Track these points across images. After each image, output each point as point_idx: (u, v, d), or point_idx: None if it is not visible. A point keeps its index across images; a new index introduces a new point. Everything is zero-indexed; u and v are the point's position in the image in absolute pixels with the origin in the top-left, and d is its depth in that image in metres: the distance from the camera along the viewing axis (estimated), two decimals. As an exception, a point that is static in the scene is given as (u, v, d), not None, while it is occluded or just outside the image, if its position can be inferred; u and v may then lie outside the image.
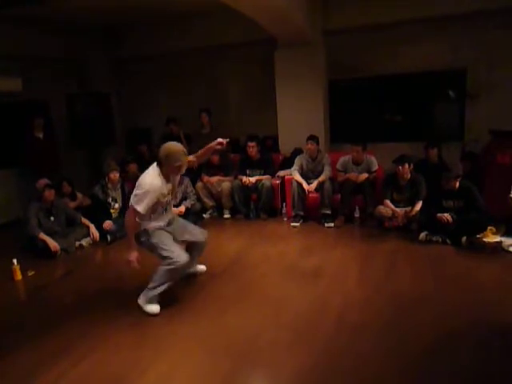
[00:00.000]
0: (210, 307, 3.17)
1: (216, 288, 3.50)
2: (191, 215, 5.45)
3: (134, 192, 3.01)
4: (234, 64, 7.06)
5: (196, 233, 3.49)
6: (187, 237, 3.41)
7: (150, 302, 3.10)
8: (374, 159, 5.18)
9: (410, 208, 4.55)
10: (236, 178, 5.68)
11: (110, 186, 5.20)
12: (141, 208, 2.91)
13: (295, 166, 5.36)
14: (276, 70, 6.21)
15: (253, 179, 5.54)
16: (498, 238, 3.91)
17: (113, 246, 4.88)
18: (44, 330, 2.95)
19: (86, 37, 7.15)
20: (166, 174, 3.03)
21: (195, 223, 5.34)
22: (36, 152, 5.90)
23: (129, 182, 5.47)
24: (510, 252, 3.85)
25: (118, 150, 7.42)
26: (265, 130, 6.62)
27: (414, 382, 2.22)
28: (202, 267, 3.80)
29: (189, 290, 3.47)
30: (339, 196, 5.12)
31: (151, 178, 2.97)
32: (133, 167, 5.96)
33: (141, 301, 3.13)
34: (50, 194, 4.69)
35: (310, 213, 5.31)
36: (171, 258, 3.03)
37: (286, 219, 5.43)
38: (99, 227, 4.94)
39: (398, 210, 4.58)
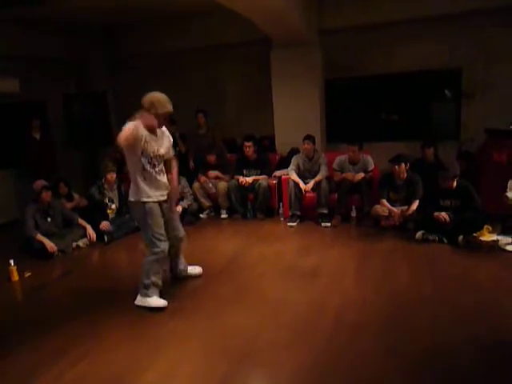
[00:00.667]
0: (208, 307, 3.17)
1: (214, 288, 3.50)
2: (188, 215, 5.46)
3: None
4: (232, 64, 7.07)
5: (177, 226, 3.40)
6: (169, 229, 3.29)
7: (151, 295, 3.10)
8: (370, 159, 5.20)
9: (406, 207, 4.57)
10: (232, 177, 5.68)
11: (106, 186, 5.19)
12: (121, 138, 2.77)
13: (292, 166, 5.37)
14: (272, 69, 6.21)
15: (249, 179, 5.54)
16: (494, 237, 3.93)
17: (110, 246, 4.87)
18: (42, 331, 2.94)
19: (86, 37, 7.14)
20: (149, 127, 2.92)
21: (192, 223, 5.41)
22: (33, 153, 5.90)
23: (127, 182, 5.46)
24: (506, 251, 3.87)
25: (115, 151, 7.40)
26: (262, 129, 6.63)
27: (413, 382, 2.22)
28: (198, 270, 3.72)
29: (187, 290, 3.47)
30: (336, 195, 5.13)
31: (131, 123, 2.85)
32: None
33: (138, 300, 3.13)
34: (46, 196, 4.68)
35: (306, 212, 5.31)
36: (157, 247, 3.06)
37: (282, 219, 5.44)
38: (96, 228, 4.93)
39: (394, 209, 4.60)
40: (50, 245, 4.46)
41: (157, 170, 3.10)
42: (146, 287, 3.12)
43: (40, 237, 4.49)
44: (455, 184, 4.15)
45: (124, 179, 5.52)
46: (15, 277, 3.96)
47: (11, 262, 3.96)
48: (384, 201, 4.66)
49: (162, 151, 3.09)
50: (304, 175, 5.35)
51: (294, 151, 5.75)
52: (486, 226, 3.96)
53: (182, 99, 7.31)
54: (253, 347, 2.59)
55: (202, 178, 5.79)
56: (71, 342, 2.76)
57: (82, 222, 4.95)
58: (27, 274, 4.06)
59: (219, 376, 2.33)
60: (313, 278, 3.58)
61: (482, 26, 5.60)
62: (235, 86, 7.17)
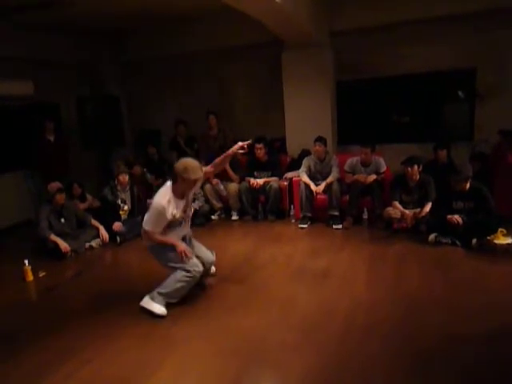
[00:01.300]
0: (218, 308, 3.18)
1: (224, 289, 3.52)
2: (199, 217, 5.48)
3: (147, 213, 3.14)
4: (243, 65, 7.07)
5: (205, 256, 3.48)
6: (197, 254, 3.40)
7: (158, 302, 3.11)
8: (382, 160, 5.16)
9: (418, 209, 4.53)
10: (243, 179, 5.70)
11: (119, 187, 5.25)
12: (149, 227, 3.07)
13: (303, 168, 5.36)
14: (283, 71, 6.21)
15: (260, 181, 5.55)
16: (509, 240, 3.87)
17: (122, 247, 4.92)
18: (53, 331, 2.98)
19: (97, 40, 7.23)
20: (180, 192, 3.06)
21: (203, 225, 5.44)
22: (47, 154, 5.98)
23: (136, 184, 5.52)
24: (520, 254, 3.81)
25: (127, 152, 7.49)
26: (273, 131, 6.63)
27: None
28: (212, 269, 3.78)
29: (196, 291, 3.47)
30: (347, 197, 5.10)
31: (160, 197, 3.02)
32: (136, 170, 5.99)
33: (145, 301, 3.13)
34: (61, 198, 4.74)
35: (317, 214, 5.30)
36: (190, 270, 3.11)
37: (293, 221, 5.43)
38: (109, 229, 4.99)
39: (406, 211, 4.56)
40: (63, 245, 4.53)
41: (182, 222, 3.22)
42: (161, 294, 3.12)
43: (54, 237, 4.56)
44: (468, 186, 4.09)
45: (133, 181, 5.58)
46: (30, 277, 4.02)
47: (26, 262, 4.03)
48: (396, 203, 4.63)
49: (181, 215, 3.16)
50: (315, 177, 5.33)
51: (305, 153, 5.74)
52: (500, 229, 3.90)
53: (193, 101, 7.40)
54: (262, 348, 2.59)
55: (214, 181, 5.81)
56: (80, 343, 2.79)
57: (94, 222, 5.01)
58: (42, 274, 4.12)
59: (228, 378, 2.33)
60: (323, 280, 3.57)
61: (495, 26, 5.52)
62: (246, 88, 7.18)
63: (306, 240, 4.83)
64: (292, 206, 5.55)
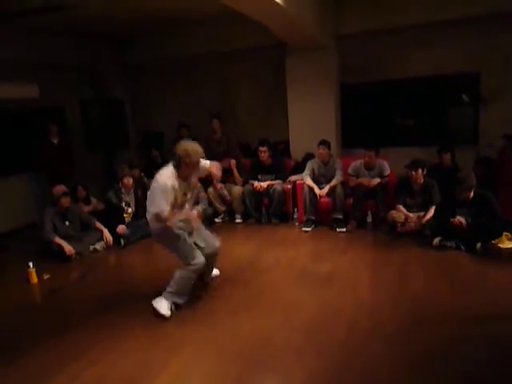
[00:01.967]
0: (222, 311, 3.18)
1: (227, 292, 3.52)
2: (203, 220, 5.48)
3: (149, 193, 3.07)
4: (246, 66, 7.07)
5: (209, 240, 3.48)
6: (199, 242, 3.39)
7: (167, 300, 3.14)
8: (386, 164, 5.15)
9: (423, 213, 4.51)
10: (247, 182, 5.70)
11: (123, 190, 5.27)
12: (157, 209, 2.93)
13: (307, 171, 5.36)
14: (287, 76, 6.22)
15: (264, 184, 5.55)
16: (513, 244, 3.86)
17: (126, 249, 4.93)
18: (58, 332, 3.00)
19: (100, 43, 7.26)
20: (183, 175, 3.04)
21: (207, 228, 5.43)
22: (51, 157, 6.01)
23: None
24: (526, 258, 3.79)
25: (131, 155, 7.51)
26: (276, 134, 6.63)
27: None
28: (215, 271, 3.80)
29: (200, 293, 3.48)
30: (351, 201, 5.10)
31: (164, 177, 2.97)
32: (135, 173, 6.00)
33: (156, 302, 3.16)
34: (65, 202, 4.77)
35: (321, 217, 5.29)
36: (191, 263, 3.11)
37: (297, 224, 5.43)
38: (113, 231, 5.01)
39: (410, 214, 4.55)
40: (68, 248, 4.55)
41: (183, 207, 3.20)
42: (169, 293, 3.16)
43: (58, 240, 4.58)
44: (472, 195, 4.07)
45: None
46: (34, 279, 4.04)
47: (30, 264, 4.04)
48: (400, 206, 4.62)
49: (187, 197, 3.18)
50: (319, 180, 5.33)
51: (309, 156, 5.74)
52: (505, 233, 3.89)
53: (195, 102, 7.42)
54: (265, 351, 2.59)
55: (219, 185, 5.81)
56: (86, 344, 2.80)
57: (99, 225, 5.03)
58: (46, 277, 4.14)
59: (232, 379, 2.34)
60: (327, 283, 3.57)
61: (499, 30, 5.51)
62: (249, 91, 7.19)
63: (310, 243, 4.83)
64: (296, 209, 5.55)
